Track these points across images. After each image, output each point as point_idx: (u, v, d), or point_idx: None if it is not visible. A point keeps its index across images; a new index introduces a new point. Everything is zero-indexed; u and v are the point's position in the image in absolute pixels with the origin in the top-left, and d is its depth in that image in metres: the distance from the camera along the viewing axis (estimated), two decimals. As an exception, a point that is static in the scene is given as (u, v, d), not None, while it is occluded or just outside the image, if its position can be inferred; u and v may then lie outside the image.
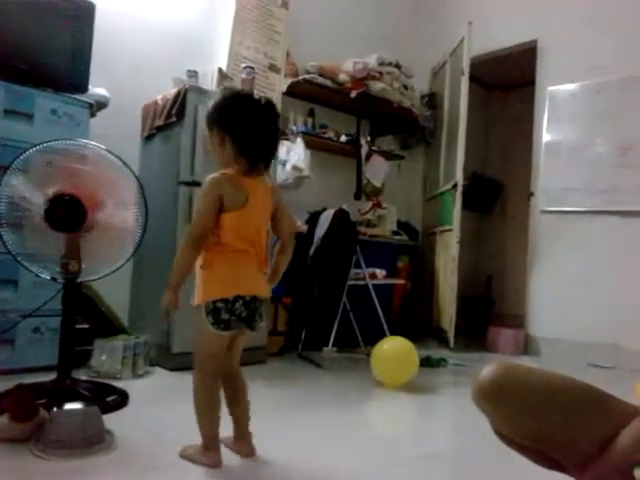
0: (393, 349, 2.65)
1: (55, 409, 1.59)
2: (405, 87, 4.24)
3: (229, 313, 1.47)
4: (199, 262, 1.52)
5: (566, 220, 3.93)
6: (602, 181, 3.74)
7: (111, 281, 2.18)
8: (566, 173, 3.92)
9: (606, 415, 1.07)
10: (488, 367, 1.16)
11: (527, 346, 3.99)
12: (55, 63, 2.44)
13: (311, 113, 3.99)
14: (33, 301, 2.16)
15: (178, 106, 2.70)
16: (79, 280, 2.01)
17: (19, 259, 1.92)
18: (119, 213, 1.98)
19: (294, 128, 3.69)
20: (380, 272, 3.61)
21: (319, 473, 1.54)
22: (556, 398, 1.10)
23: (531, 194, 4.18)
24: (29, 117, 2.35)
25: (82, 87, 2.52)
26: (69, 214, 1.85)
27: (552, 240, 3.99)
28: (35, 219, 1.88)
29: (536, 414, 1.09)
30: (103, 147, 1.98)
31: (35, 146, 1.91)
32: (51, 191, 1.86)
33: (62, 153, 1.95)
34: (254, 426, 1.62)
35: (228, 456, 1.57)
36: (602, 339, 3.58)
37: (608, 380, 3.15)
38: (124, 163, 1.98)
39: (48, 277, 1.97)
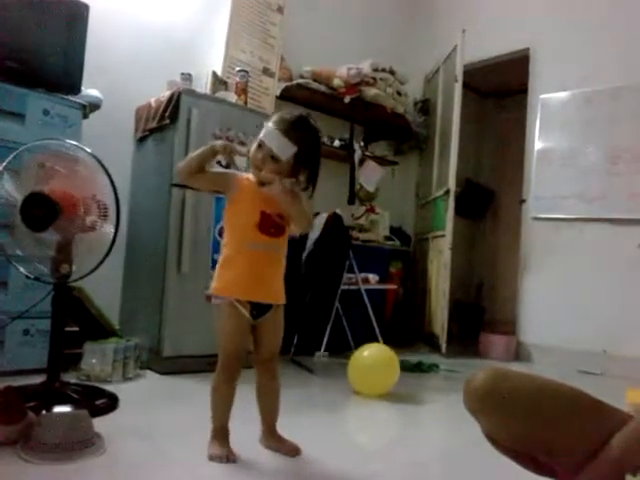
0: (371, 358, 2.57)
1: (44, 412, 1.58)
2: (399, 93, 4.26)
3: None
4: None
5: (557, 227, 3.96)
6: (593, 189, 3.77)
7: (102, 283, 2.17)
8: (558, 181, 3.95)
9: (597, 421, 1.07)
10: (479, 372, 1.16)
11: (518, 352, 4.00)
12: (48, 63, 2.42)
13: (305, 118, 3.99)
14: (23, 303, 2.14)
15: (171, 109, 2.70)
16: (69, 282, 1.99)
17: (12, 261, 1.90)
18: (107, 216, 1.97)
19: (288, 132, 3.68)
20: (373, 277, 3.61)
21: (304, 477, 1.53)
22: (547, 403, 1.10)
23: (523, 201, 4.20)
24: (21, 117, 2.33)
25: (75, 88, 2.50)
26: (41, 212, 1.82)
27: (543, 247, 4.02)
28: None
29: (527, 419, 1.09)
30: (86, 148, 1.96)
31: (23, 146, 1.89)
32: (28, 190, 1.84)
33: (51, 154, 1.93)
34: (244, 430, 1.61)
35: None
36: (592, 346, 3.60)
37: (597, 386, 3.16)
38: (102, 165, 1.95)
39: (38, 279, 1.95)
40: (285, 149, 1.50)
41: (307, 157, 1.56)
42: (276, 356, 1.67)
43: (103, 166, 1.95)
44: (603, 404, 1.10)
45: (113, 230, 1.96)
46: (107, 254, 1.98)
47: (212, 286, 1.60)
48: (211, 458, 1.54)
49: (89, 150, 1.96)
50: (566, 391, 1.13)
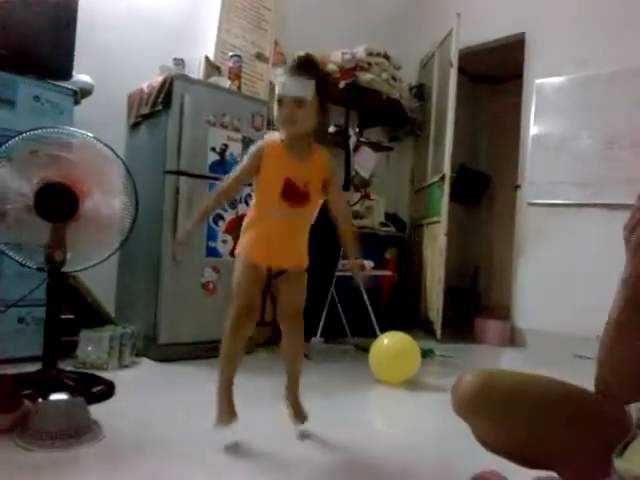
0: (393, 346, 2.60)
1: (40, 400, 1.58)
2: (394, 78, 4.23)
3: None
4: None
5: (552, 213, 3.96)
6: (588, 174, 3.77)
7: (97, 271, 2.15)
8: (553, 166, 3.95)
9: (589, 421, 1.04)
10: (467, 377, 1.12)
11: (513, 337, 4.03)
12: (38, 49, 2.38)
13: (299, 103, 3.96)
14: (17, 291, 2.12)
15: (164, 94, 2.67)
16: (65, 270, 1.98)
17: (3, 249, 1.89)
18: (106, 202, 1.95)
19: (282, 118, 3.65)
20: (368, 263, 3.60)
21: (300, 462, 1.54)
22: (537, 407, 1.07)
23: (517, 186, 4.20)
24: (11, 104, 2.30)
25: (66, 74, 2.46)
26: (59, 203, 1.83)
27: (538, 232, 4.03)
28: (19, 208, 1.84)
29: (517, 423, 1.06)
30: (91, 135, 1.95)
31: (22, 134, 1.86)
32: (39, 180, 1.82)
33: (47, 141, 1.91)
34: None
35: (209, 446, 1.56)
36: (587, 331, 3.61)
37: (592, 371, 3.18)
38: (114, 152, 1.96)
39: (33, 266, 1.94)
40: (307, 88, 1.52)
41: (322, 85, 1.58)
42: (299, 314, 1.71)
43: (115, 152, 1.96)
44: (593, 401, 1.06)
45: (128, 216, 1.98)
46: (124, 241, 2.00)
47: (238, 245, 1.65)
48: (218, 424, 1.58)
49: (93, 135, 1.95)
50: (557, 392, 1.09)
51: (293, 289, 1.68)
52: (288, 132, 1.59)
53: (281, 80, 1.54)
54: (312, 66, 1.58)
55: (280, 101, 1.54)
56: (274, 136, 1.64)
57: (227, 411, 1.59)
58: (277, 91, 1.55)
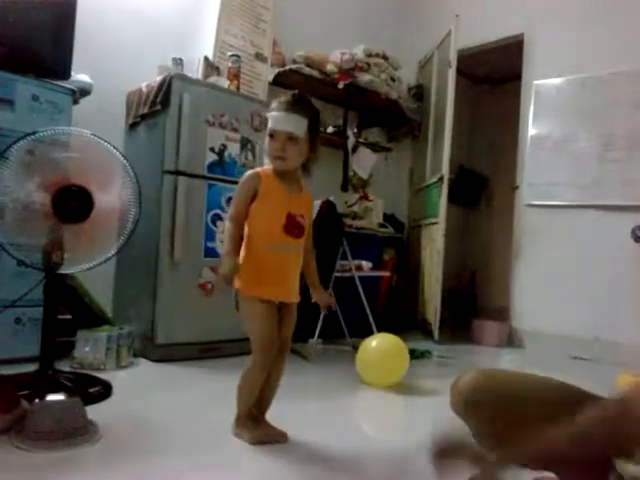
0: (380, 348, 2.54)
1: (37, 400, 1.57)
2: (392, 79, 4.23)
3: None
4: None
5: (550, 214, 3.97)
6: (586, 175, 3.78)
7: (95, 271, 2.15)
8: (551, 167, 3.96)
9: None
10: (466, 375, 1.12)
11: (511, 339, 4.03)
12: (37, 48, 2.37)
13: (298, 104, 3.96)
14: (14, 291, 2.11)
15: (163, 94, 2.66)
16: (66, 271, 1.97)
17: (6, 248, 1.88)
18: (109, 201, 1.95)
19: (281, 118, 3.65)
20: (366, 264, 3.60)
21: (297, 466, 1.54)
22: (536, 407, 1.06)
23: (515, 188, 4.20)
24: (10, 103, 2.29)
25: (64, 73, 2.46)
26: (77, 205, 1.84)
27: (536, 234, 4.03)
28: (18, 208, 1.83)
29: (515, 423, 1.06)
30: (95, 135, 1.95)
31: (26, 136, 1.85)
32: (44, 180, 1.82)
33: (48, 141, 1.90)
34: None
35: (207, 447, 1.56)
36: (584, 332, 3.63)
37: (589, 372, 3.20)
38: (119, 151, 1.96)
39: (31, 266, 1.93)
40: (300, 125, 1.55)
41: (315, 126, 1.62)
42: (289, 344, 1.70)
43: (120, 153, 1.97)
44: (587, 402, 1.06)
45: (131, 216, 1.99)
46: (128, 238, 2.00)
47: (238, 284, 1.60)
48: (258, 442, 1.59)
49: (99, 136, 1.94)
50: (556, 392, 1.09)
51: (287, 320, 1.67)
52: (277, 167, 1.61)
53: (274, 114, 1.56)
54: (305, 104, 1.60)
55: (272, 135, 1.57)
56: (264, 168, 1.65)
57: (269, 432, 1.62)
58: (269, 125, 1.57)
